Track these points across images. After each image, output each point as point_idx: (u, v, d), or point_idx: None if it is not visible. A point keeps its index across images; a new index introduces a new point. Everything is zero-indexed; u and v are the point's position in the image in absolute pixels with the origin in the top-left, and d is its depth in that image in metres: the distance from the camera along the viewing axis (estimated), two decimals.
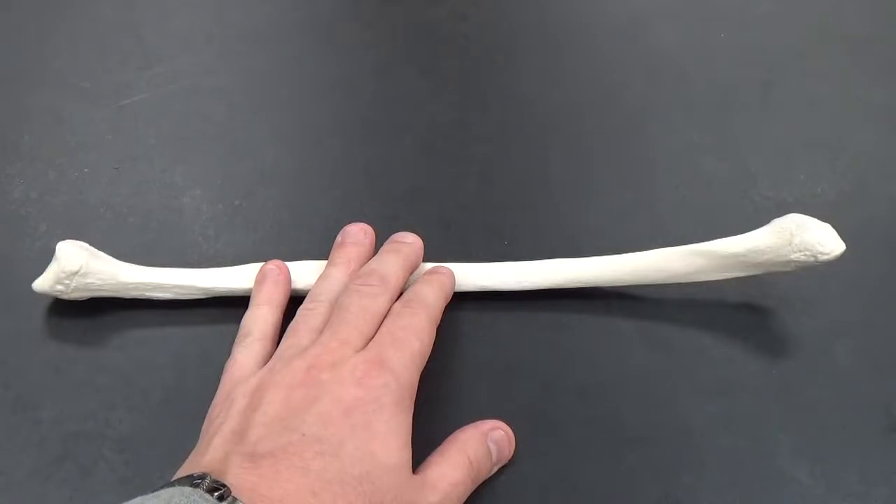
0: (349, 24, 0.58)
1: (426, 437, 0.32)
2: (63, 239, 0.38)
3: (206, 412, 0.33)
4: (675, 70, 0.54)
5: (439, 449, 0.32)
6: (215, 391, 0.33)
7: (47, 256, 0.38)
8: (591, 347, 0.38)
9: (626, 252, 0.39)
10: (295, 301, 0.37)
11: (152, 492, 0.27)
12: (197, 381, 0.36)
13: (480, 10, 0.59)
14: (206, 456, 0.29)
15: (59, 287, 0.37)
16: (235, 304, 0.38)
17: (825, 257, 0.35)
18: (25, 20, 0.56)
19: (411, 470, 0.30)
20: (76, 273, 0.37)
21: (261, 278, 0.38)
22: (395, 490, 0.29)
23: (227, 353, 0.35)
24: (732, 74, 0.53)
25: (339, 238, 0.40)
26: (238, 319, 0.37)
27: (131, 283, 0.38)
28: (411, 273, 0.38)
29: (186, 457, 0.30)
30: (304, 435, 0.29)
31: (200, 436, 0.31)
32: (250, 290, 0.38)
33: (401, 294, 0.36)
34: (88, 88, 0.51)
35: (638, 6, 0.59)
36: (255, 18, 0.58)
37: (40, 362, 0.37)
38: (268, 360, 0.34)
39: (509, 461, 0.34)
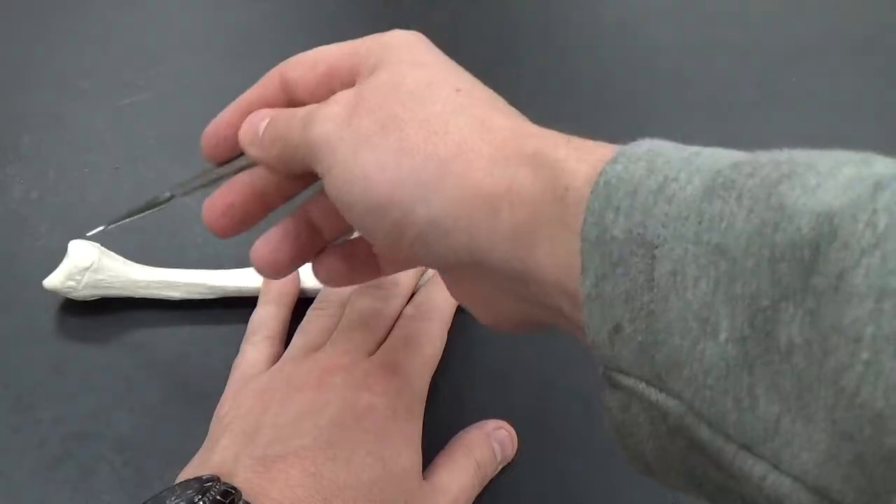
0: (349, 25, 0.58)
1: (429, 437, 0.32)
2: (63, 239, 0.38)
3: (207, 413, 0.33)
4: (675, 70, 0.54)
5: (445, 451, 0.32)
6: (217, 391, 0.33)
7: (48, 256, 0.38)
8: None
9: None
10: (303, 302, 0.37)
11: (168, 489, 0.27)
12: (198, 381, 0.36)
13: (480, 10, 0.59)
14: (215, 455, 0.29)
15: (70, 283, 0.37)
16: (237, 306, 0.38)
17: None
18: (25, 20, 0.56)
19: (421, 475, 0.30)
20: (88, 269, 0.37)
21: None
22: (406, 496, 0.29)
23: (228, 354, 0.35)
24: (732, 74, 0.53)
25: None
26: (240, 321, 0.37)
27: (142, 282, 0.38)
28: (422, 275, 0.38)
29: (187, 457, 0.30)
30: (315, 439, 0.29)
31: (209, 432, 0.31)
32: (259, 290, 0.38)
33: (412, 296, 0.36)
34: (88, 88, 0.51)
35: (638, 6, 0.59)
36: (255, 18, 0.58)
37: (41, 362, 0.37)
38: (276, 359, 0.34)
39: (510, 461, 0.34)
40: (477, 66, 0.55)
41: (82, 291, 0.38)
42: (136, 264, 0.39)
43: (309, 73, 0.28)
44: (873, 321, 0.15)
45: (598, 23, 0.59)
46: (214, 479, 0.27)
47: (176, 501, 0.26)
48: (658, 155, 0.20)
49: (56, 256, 0.38)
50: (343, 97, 0.26)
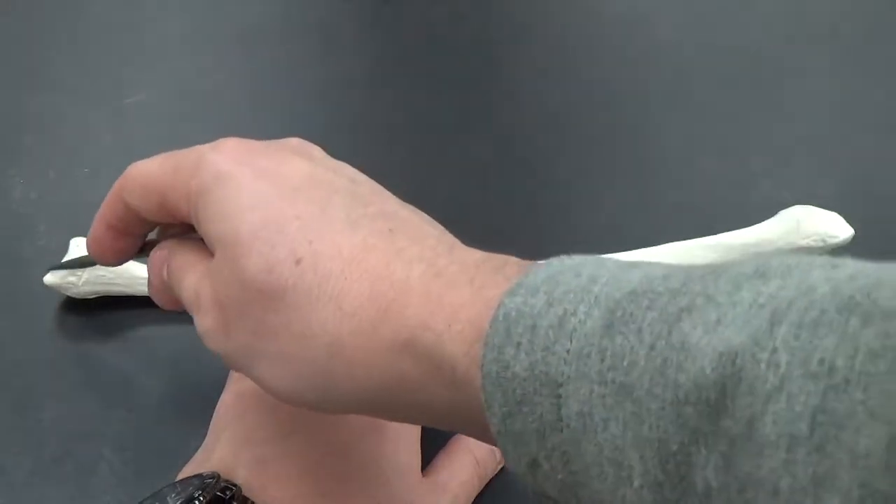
0: (349, 24, 0.58)
1: (429, 436, 0.32)
2: (63, 239, 0.38)
3: (207, 412, 0.33)
4: (676, 69, 0.54)
5: (445, 450, 0.32)
6: (217, 390, 0.33)
7: (47, 256, 0.38)
8: None
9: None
10: None
11: (169, 485, 0.27)
12: (198, 380, 0.36)
13: (480, 10, 0.59)
14: (216, 453, 0.29)
15: (71, 279, 0.37)
16: None
17: (834, 241, 0.36)
18: (25, 20, 0.56)
19: (420, 472, 0.30)
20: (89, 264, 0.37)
21: None
22: (405, 492, 0.29)
23: None
24: (732, 74, 0.53)
25: None
26: None
27: (143, 278, 0.38)
28: None
29: (186, 457, 0.30)
30: (313, 436, 0.29)
31: (209, 431, 0.31)
32: None
33: None
34: (88, 88, 0.51)
35: (638, 6, 0.59)
36: (254, 18, 0.58)
37: (41, 362, 0.37)
38: None
39: None
40: (477, 66, 0.55)
41: (83, 288, 0.37)
42: (137, 262, 0.39)
43: (144, 203, 0.27)
44: (788, 472, 0.14)
45: (599, 23, 0.59)
46: (215, 475, 0.27)
47: (176, 498, 0.26)
48: (556, 284, 0.19)
49: (56, 256, 0.38)
50: (206, 304, 0.25)
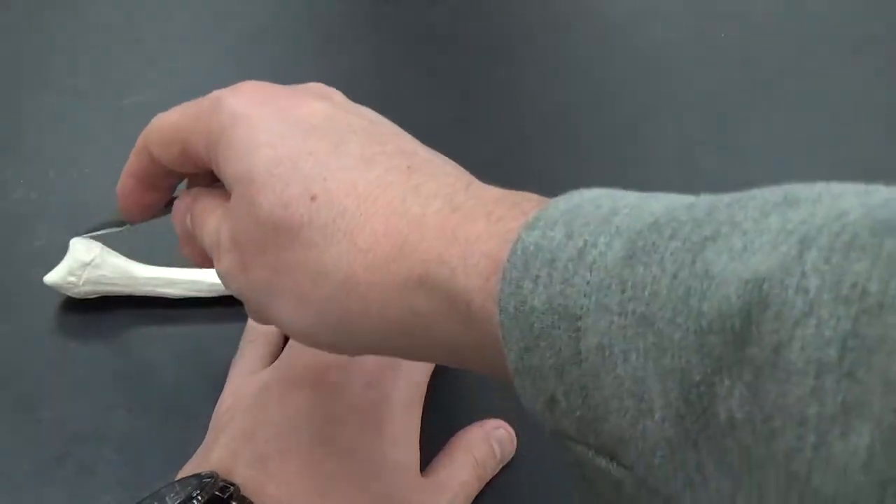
0: (349, 24, 0.58)
1: (429, 437, 0.32)
2: (63, 239, 0.38)
3: (207, 413, 0.33)
4: (675, 70, 0.54)
5: (445, 450, 0.32)
6: (217, 391, 0.33)
7: (47, 256, 0.38)
8: None
9: None
10: None
11: (167, 485, 0.27)
12: (198, 380, 0.36)
13: (480, 10, 0.59)
14: (214, 453, 0.29)
15: (71, 279, 0.37)
16: (238, 304, 0.38)
17: None
18: (25, 20, 0.56)
19: (419, 471, 0.30)
20: (89, 264, 0.37)
21: None
22: (404, 490, 0.29)
23: (228, 353, 0.35)
24: (732, 74, 0.53)
25: None
26: (240, 319, 0.37)
27: (143, 279, 0.38)
28: None
29: (186, 457, 0.30)
30: (312, 436, 0.29)
31: (209, 430, 0.32)
32: None
33: None
34: (88, 88, 0.51)
35: (638, 6, 0.59)
36: (255, 18, 0.58)
37: (41, 361, 0.37)
38: (274, 358, 0.34)
39: (510, 459, 0.34)
40: (477, 66, 0.55)
41: (83, 288, 0.38)
42: (137, 262, 0.39)
43: (167, 153, 0.27)
44: (816, 399, 0.14)
45: (599, 23, 0.59)
46: (213, 475, 0.27)
47: (175, 498, 0.26)
48: (576, 217, 0.19)
49: (56, 256, 0.38)
50: (224, 244, 0.25)
